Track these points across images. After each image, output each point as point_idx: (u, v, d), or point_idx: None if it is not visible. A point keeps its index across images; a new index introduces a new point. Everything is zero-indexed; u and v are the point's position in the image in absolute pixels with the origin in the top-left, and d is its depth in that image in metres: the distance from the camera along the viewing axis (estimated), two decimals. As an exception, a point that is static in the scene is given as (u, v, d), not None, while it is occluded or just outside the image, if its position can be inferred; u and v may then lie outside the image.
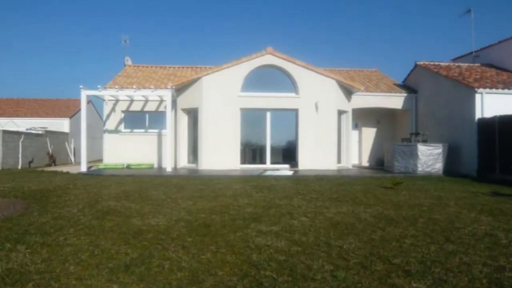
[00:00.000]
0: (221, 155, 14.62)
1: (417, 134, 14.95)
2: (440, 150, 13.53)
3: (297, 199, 7.40)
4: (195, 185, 9.53)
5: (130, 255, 3.94)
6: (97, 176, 11.96)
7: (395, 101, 17.11)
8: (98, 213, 6.06)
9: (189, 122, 16.04)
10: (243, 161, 15.16)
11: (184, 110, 15.87)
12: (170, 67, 20.44)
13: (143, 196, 7.71)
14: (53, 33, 70.94)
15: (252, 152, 15.60)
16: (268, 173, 13.12)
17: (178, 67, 20.48)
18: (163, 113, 15.49)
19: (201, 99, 14.91)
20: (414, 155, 13.49)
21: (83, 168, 14.35)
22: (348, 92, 16.09)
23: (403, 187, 9.27)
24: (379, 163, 17.00)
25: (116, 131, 16.36)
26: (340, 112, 15.81)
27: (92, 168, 15.47)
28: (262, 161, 15.36)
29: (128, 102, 16.37)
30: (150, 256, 3.92)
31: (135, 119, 16.55)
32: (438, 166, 13.49)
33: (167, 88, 15.15)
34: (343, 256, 3.92)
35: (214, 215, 5.87)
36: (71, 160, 22.47)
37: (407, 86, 18.02)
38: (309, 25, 70.18)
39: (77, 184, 9.68)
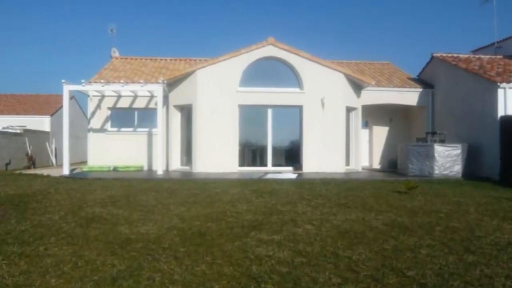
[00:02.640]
0: (218, 157, 14.62)
1: (433, 133, 14.96)
2: (459, 151, 13.53)
3: (301, 205, 7.40)
4: (189, 189, 9.54)
5: (117, 267, 3.94)
6: (80, 180, 11.97)
7: (409, 97, 17.12)
8: (82, 220, 6.06)
9: (182, 120, 16.05)
10: (242, 163, 15.17)
11: (176, 106, 15.89)
12: (161, 60, 20.46)
13: (132, 202, 7.72)
14: (32, 22, 71.05)
15: (251, 153, 15.60)
16: (270, 176, 13.13)
17: (170, 60, 20.51)
18: (153, 110, 15.51)
19: (196, 94, 14.92)
20: (430, 156, 13.50)
21: (66, 170, 14.36)
22: (357, 87, 16.10)
23: (418, 191, 9.27)
24: (391, 165, 17.02)
25: (101, 130, 16.37)
26: (349, 109, 15.82)
27: (76, 171, 15.48)
28: (263, 163, 15.37)
29: (115, 98, 16.38)
30: (139, 268, 3.92)
31: (122, 117, 16.57)
32: (456, 168, 13.50)
33: (158, 83, 15.16)
34: (352, 268, 3.92)
35: (209, 223, 5.87)
36: (52, 162, 22.49)
37: (422, 81, 18.04)
38: (314, 13, 70.28)
39: (59, 188, 9.68)
